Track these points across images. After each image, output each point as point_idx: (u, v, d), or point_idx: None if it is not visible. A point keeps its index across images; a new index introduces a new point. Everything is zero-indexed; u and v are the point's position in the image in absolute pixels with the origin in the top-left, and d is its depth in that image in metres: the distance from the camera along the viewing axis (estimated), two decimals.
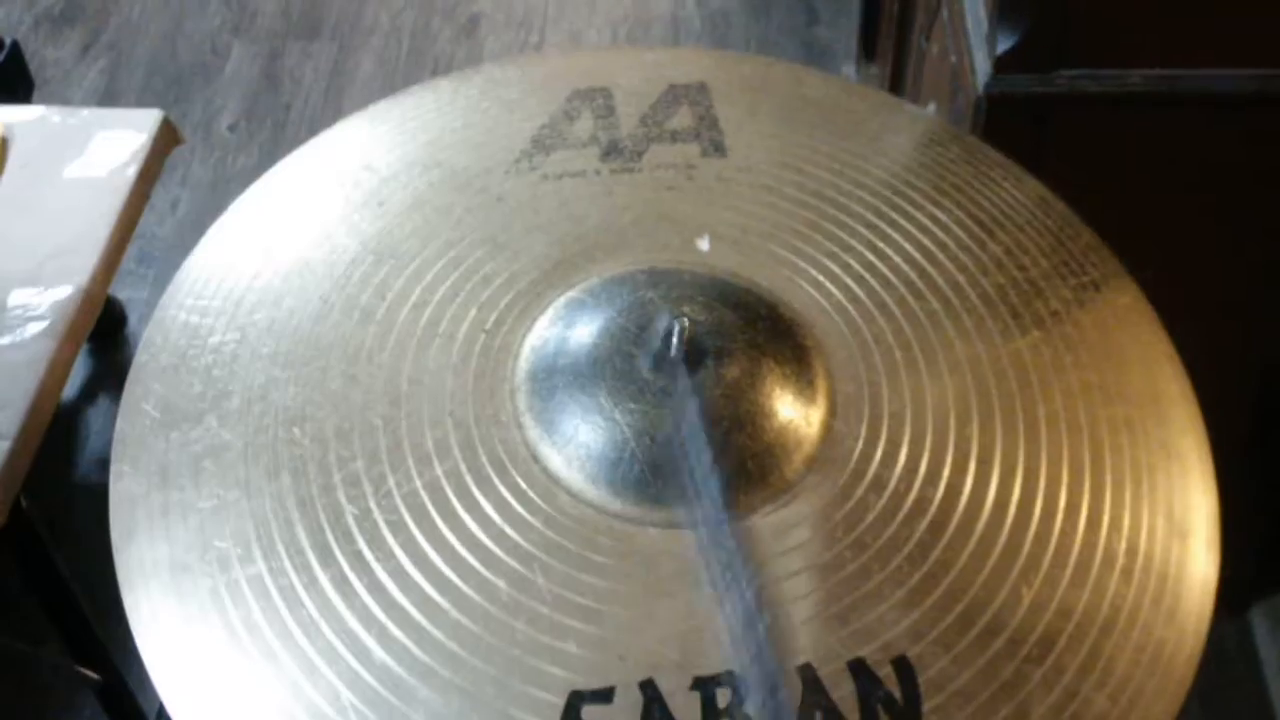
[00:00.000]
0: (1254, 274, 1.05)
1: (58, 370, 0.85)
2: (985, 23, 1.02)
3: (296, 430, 0.63)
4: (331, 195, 0.74)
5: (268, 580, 0.58)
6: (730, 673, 0.55)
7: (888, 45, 1.49)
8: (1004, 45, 0.99)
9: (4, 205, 0.96)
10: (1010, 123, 1.00)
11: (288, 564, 0.58)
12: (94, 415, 1.61)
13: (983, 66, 1.02)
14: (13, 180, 0.98)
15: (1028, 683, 0.56)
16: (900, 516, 0.60)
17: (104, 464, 1.55)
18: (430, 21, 2.22)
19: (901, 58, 1.43)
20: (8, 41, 1.63)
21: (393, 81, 2.12)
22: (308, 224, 0.72)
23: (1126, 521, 0.61)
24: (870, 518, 0.60)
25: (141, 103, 2.03)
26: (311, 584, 0.58)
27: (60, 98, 2.03)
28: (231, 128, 2.00)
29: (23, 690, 1.27)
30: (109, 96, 2.05)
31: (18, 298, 0.87)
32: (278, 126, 2.02)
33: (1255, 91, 0.93)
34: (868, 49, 1.69)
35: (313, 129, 2.05)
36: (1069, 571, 0.59)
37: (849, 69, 1.91)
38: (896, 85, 1.44)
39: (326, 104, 2.07)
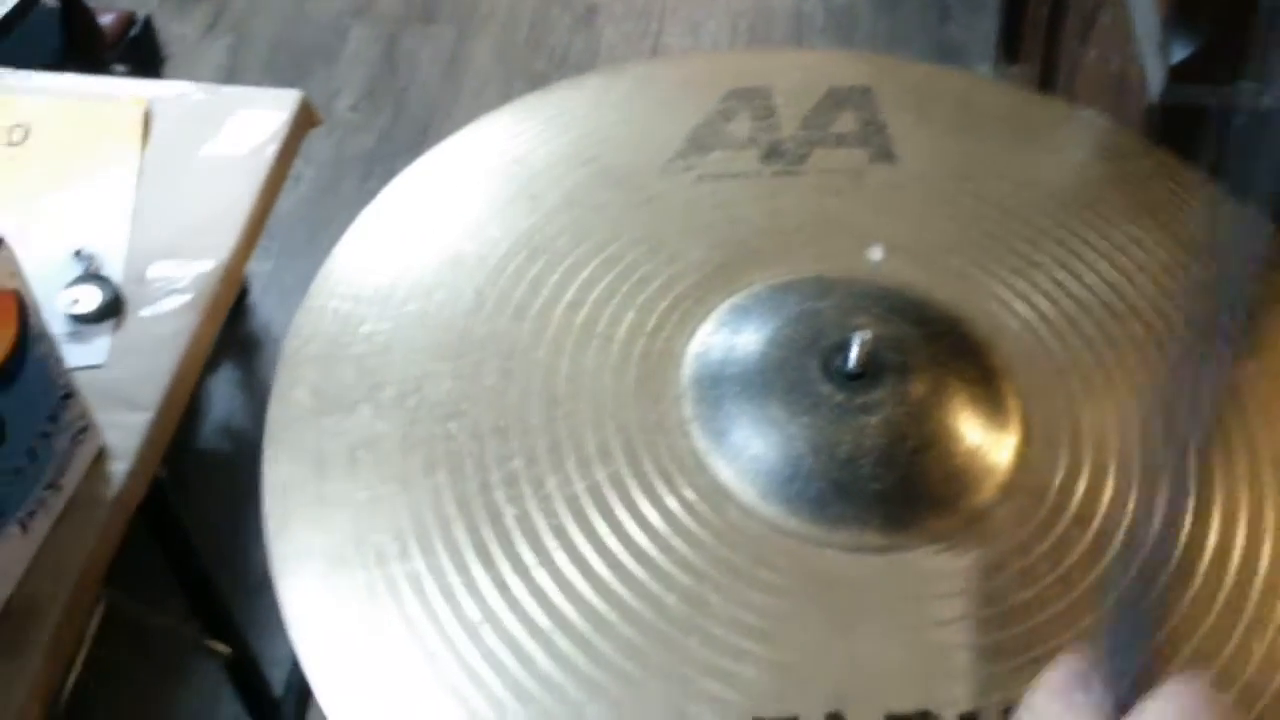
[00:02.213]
0: None
1: (199, 345, 0.84)
2: (1158, 29, 0.97)
3: (452, 425, 0.61)
4: (481, 188, 0.71)
5: (426, 579, 0.56)
6: (927, 712, 0.51)
7: (1034, 47, 1.45)
8: (1180, 54, 0.95)
9: (145, 180, 0.95)
10: (1184, 136, 0.95)
11: (446, 562, 0.56)
12: (215, 384, 1.62)
13: (1155, 75, 0.97)
14: (154, 155, 0.97)
15: None
16: (1109, 555, 0.56)
17: (224, 432, 1.55)
18: (549, 10, 2.20)
19: (1051, 62, 1.38)
20: (141, 16, 1.64)
21: (510, 69, 2.11)
22: (458, 216, 0.70)
23: None
24: (1076, 554, 0.56)
25: (264, 81, 2.03)
26: (471, 585, 0.55)
27: (185, 74, 2.04)
28: (352, 107, 2.00)
29: (146, 659, 1.27)
30: (232, 74, 2.06)
31: (159, 270, 0.86)
32: (396, 109, 2.02)
33: None
34: (1009, 50, 1.64)
35: (430, 112, 2.05)
36: None
37: (984, 70, 1.86)
38: (1046, 90, 1.39)
39: (444, 88, 2.07)
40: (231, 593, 1.04)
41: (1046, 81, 1.38)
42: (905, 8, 2.13)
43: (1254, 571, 0.56)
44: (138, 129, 0.97)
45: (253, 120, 0.99)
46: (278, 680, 1.16)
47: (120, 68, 1.55)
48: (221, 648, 1.02)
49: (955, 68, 1.97)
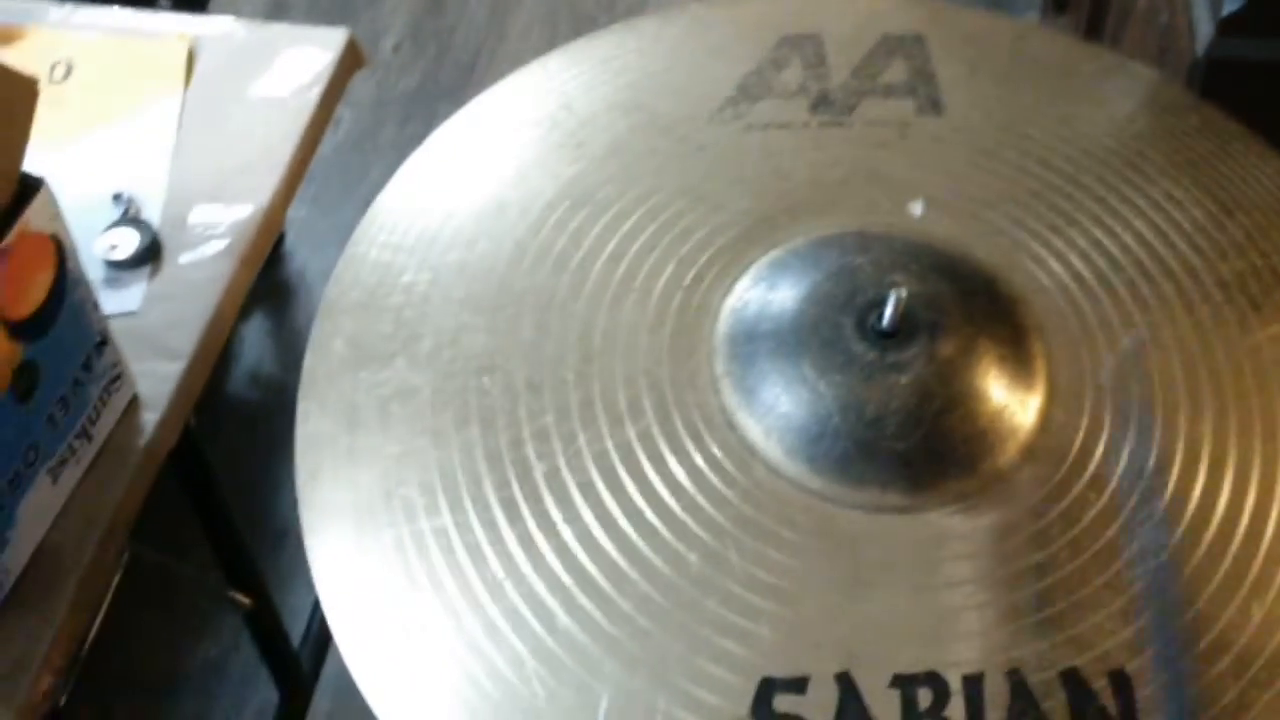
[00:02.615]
0: None
1: (234, 292, 0.84)
2: None
3: (486, 379, 0.61)
4: (528, 135, 0.71)
5: (453, 534, 0.56)
6: (934, 673, 0.52)
7: None
8: (1233, 5, 0.92)
9: (187, 120, 0.95)
10: (1231, 91, 0.93)
11: (474, 518, 0.57)
12: (247, 331, 1.63)
13: (1204, 27, 0.95)
14: (198, 94, 0.97)
15: (1253, 708, 0.52)
16: (1122, 518, 0.56)
17: (255, 380, 1.55)
18: None
19: (1099, 12, 1.35)
20: None
21: (557, 9, 2.08)
22: (503, 163, 0.70)
23: None
24: (1089, 517, 0.56)
25: (310, 19, 2.02)
26: (497, 541, 0.56)
27: (231, 10, 2.03)
28: (395, 48, 2.00)
29: (166, 607, 1.29)
30: (278, 10, 2.05)
31: (200, 214, 0.86)
32: (441, 50, 2.01)
33: None
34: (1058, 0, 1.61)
35: (475, 54, 2.03)
36: None
37: (1032, 19, 1.82)
38: (1091, 41, 1.36)
39: (490, 29, 2.05)
40: (252, 543, 1.05)
41: (1093, 32, 1.36)
42: None
43: (1260, 535, 0.55)
44: (181, 67, 0.97)
45: (298, 60, 0.99)
46: (295, 632, 1.18)
47: (165, 2, 1.55)
48: (243, 599, 1.03)
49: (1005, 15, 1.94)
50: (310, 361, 0.62)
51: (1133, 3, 1.23)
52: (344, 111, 1.89)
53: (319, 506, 0.58)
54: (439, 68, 1.97)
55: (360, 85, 1.92)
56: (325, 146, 1.87)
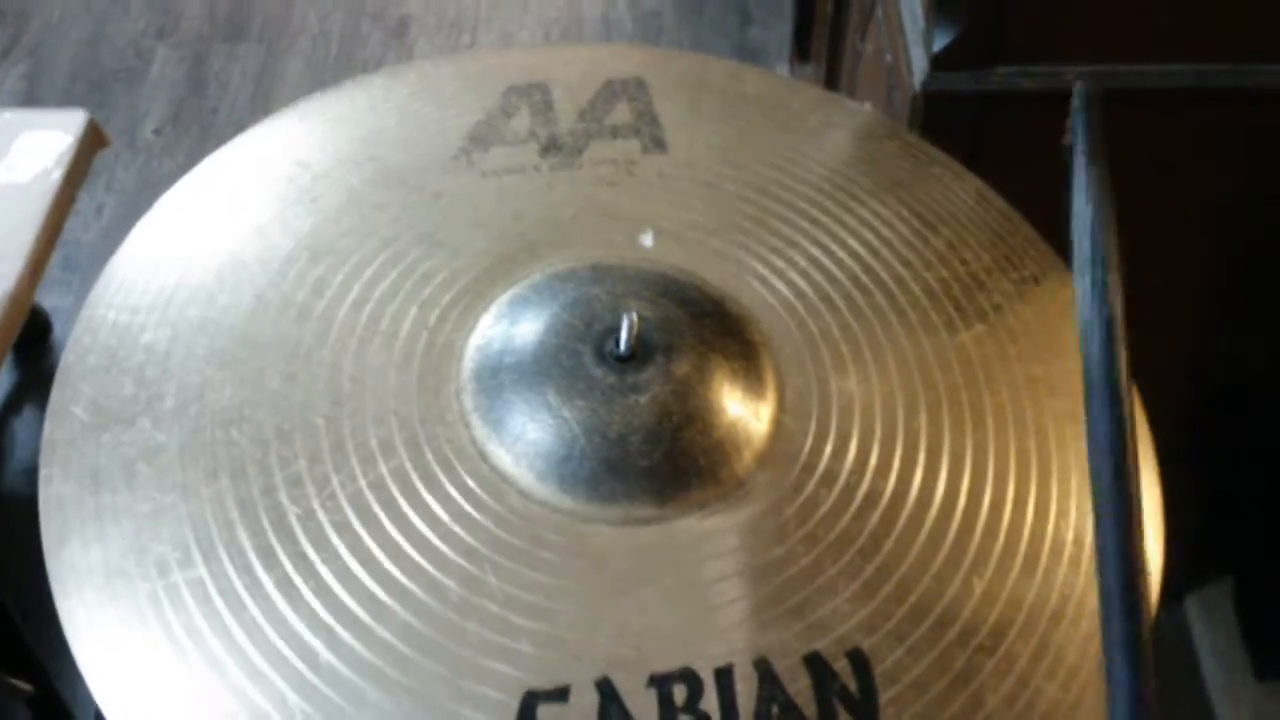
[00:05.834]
0: (1191, 270, 1.07)
1: None
2: (921, 20, 1.02)
3: (234, 431, 0.62)
4: (263, 192, 0.72)
5: (209, 584, 0.56)
6: (688, 669, 0.54)
7: (821, 46, 1.50)
8: (940, 43, 1.00)
9: None
10: (947, 120, 1.00)
11: (229, 566, 0.57)
12: (19, 426, 1.57)
13: (919, 64, 1.02)
14: None
15: (980, 673, 0.56)
16: (852, 510, 0.60)
17: (31, 474, 1.50)
18: (359, 24, 2.20)
19: (836, 58, 1.44)
20: None
21: (321, 84, 2.08)
22: (239, 220, 0.71)
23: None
24: (822, 512, 0.60)
25: (65, 107, 1.98)
26: (254, 586, 0.56)
27: None
28: (157, 131, 1.97)
29: None
30: (30, 102, 2.00)
31: None
32: (204, 130, 1.99)
33: (1192, 86, 0.95)
34: (802, 50, 1.69)
35: (240, 132, 2.02)
36: (1019, 561, 0.59)
37: (782, 70, 1.91)
38: (831, 86, 1.44)
39: (254, 107, 2.04)
40: (41, 632, 1.02)
41: (832, 77, 1.44)
42: (709, 12, 2.18)
43: (976, 515, 0.60)
44: None
45: (37, 144, 0.98)
46: (89, 715, 1.15)
47: None
48: (23, 685, 1.00)
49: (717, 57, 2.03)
50: (50, 429, 0.62)
51: (863, 47, 1.31)
52: (106, 198, 1.85)
53: (68, 570, 0.57)
54: (203, 148, 1.95)
55: (123, 171, 1.89)
56: (89, 234, 1.84)
